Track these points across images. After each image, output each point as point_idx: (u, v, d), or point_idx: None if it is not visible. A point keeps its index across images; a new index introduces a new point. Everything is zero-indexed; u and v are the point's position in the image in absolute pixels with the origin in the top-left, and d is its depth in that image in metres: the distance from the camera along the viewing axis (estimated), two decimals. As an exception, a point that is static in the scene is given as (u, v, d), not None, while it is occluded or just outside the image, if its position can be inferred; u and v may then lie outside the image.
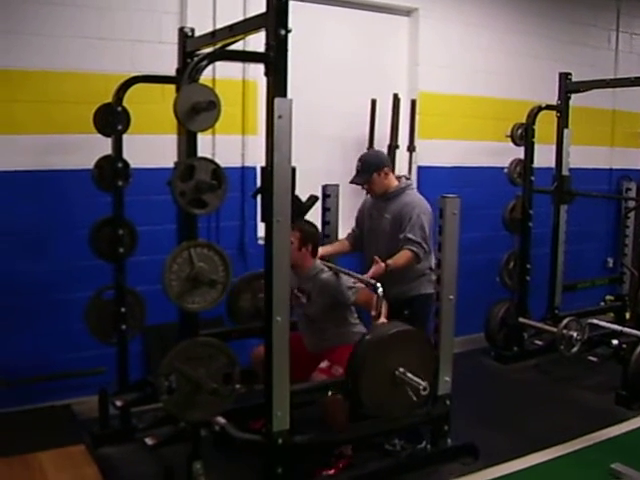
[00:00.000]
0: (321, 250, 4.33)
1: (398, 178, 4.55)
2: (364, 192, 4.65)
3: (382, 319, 3.81)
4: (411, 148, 5.87)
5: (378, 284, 3.80)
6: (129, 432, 4.28)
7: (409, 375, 3.51)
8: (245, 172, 5.14)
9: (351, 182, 4.52)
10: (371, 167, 4.42)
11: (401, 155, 5.82)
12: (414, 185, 4.50)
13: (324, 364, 4.03)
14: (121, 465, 4.03)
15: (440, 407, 3.96)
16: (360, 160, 4.51)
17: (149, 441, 4.11)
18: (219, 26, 3.61)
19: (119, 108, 4.16)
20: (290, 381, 3.34)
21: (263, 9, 3.10)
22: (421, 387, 3.46)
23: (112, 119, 4.16)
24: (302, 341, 4.21)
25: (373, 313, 3.81)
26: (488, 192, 6.22)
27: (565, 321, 5.11)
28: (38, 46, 4.43)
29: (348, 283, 4.07)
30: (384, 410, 3.69)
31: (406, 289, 4.39)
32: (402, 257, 4.23)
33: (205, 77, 3.27)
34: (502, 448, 4.33)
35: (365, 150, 5.55)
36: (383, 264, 4.09)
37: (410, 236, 4.25)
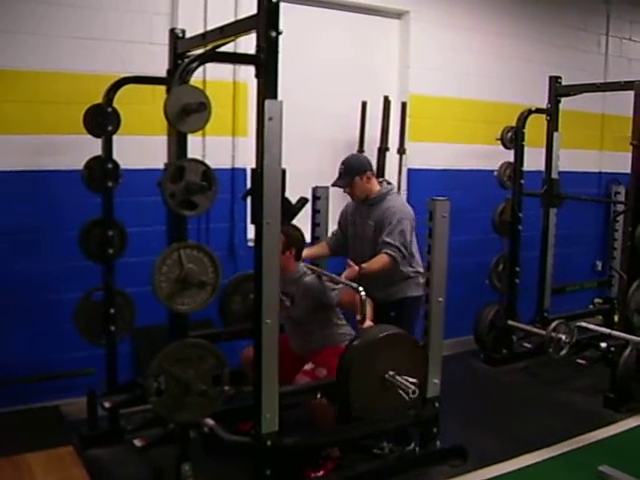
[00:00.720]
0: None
1: (380, 183, 4.56)
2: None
3: (368, 322, 3.80)
4: (401, 151, 5.88)
5: (360, 287, 3.78)
6: (118, 434, 4.27)
7: (398, 378, 3.52)
8: (235, 174, 5.14)
9: (333, 185, 4.53)
10: (353, 170, 4.42)
11: (391, 158, 5.83)
12: (396, 190, 4.50)
13: (308, 366, 4.04)
14: (110, 467, 4.02)
15: (429, 409, 3.97)
16: (343, 163, 4.51)
17: (138, 443, 4.11)
18: (210, 27, 3.61)
19: (109, 109, 4.14)
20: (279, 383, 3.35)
21: (254, 11, 3.10)
22: (410, 390, 3.46)
23: (102, 120, 4.15)
24: (288, 343, 4.21)
25: (358, 317, 3.81)
26: (478, 195, 6.25)
27: (554, 324, 5.12)
28: (32, 46, 4.42)
29: (332, 285, 4.09)
30: (374, 413, 3.70)
31: (392, 292, 4.40)
32: (377, 261, 4.23)
33: (196, 78, 3.27)
34: (491, 450, 4.34)
35: (356, 152, 5.57)
36: (357, 267, 4.11)
37: (388, 240, 4.25)
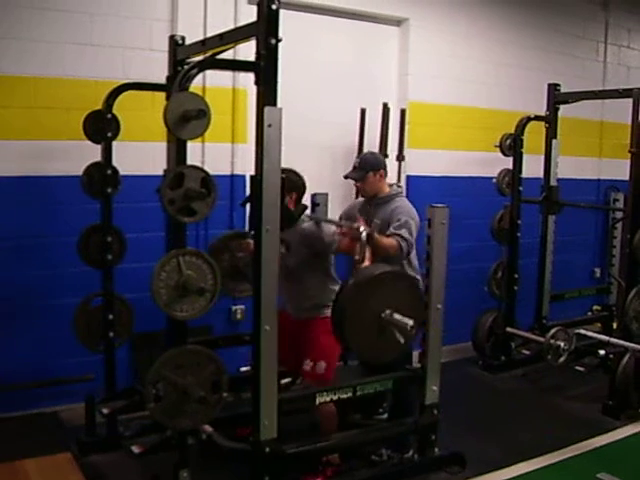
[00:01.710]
0: None
1: (390, 185, 4.57)
2: (353, 199, 4.65)
3: (367, 263, 3.76)
4: (400, 157, 5.88)
5: (362, 228, 3.77)
6: (116, 440, 4.25)
7: (396, 316, 3.49)
8: (234, 180, 5.14)
9: (345, 176, 4.53)
10: (367, 165, 4.44)
11: (390, 164, 5.79)
12: (404, 194, 4.51)
13: (307, 365, 4.02)
14: (107, 473, 4.01)
15: (427, 416, 3.96)
16: (359, 157, 4.59)
17: (136, 449, 4.08)
18: (210, 34, 3.62)
19: (109, 115, 4.15)
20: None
21: (254, 18, 3.11)
22: (408, 326, 3.44)
23: (102, 126, 4.16)
24: (283, 315, 4.05)
25: (357, 257, 3.76)
26: (476, 202, 6.25)
27: (552, 331, 5.12)
28: (32, 52, 4.43)
29: (330, 231, 4.04)
30: (372, 355, 3.68)
31: None
32: (387, 240, 4.17)
33: (195, 85, 3.28)
34: (489, 457, 4.34)
35: (355, 160, 5.57)
36: (368, 229, 3.97)
37: (397, 232, 4.20)
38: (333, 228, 4.05)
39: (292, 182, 3.97)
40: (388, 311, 3.51)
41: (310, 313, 4.12)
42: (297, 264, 4.08)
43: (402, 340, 3.52)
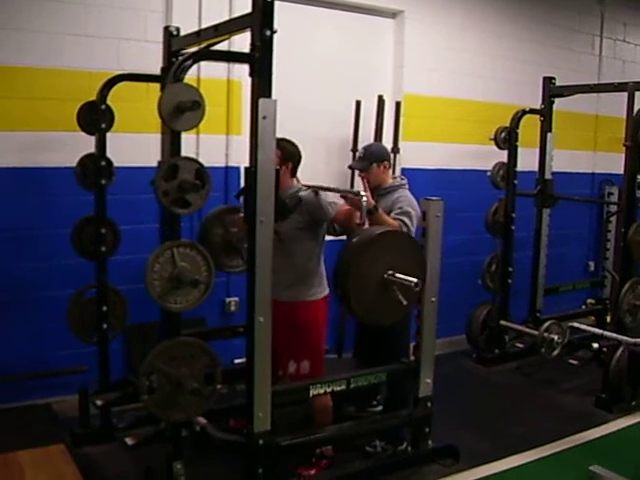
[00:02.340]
0: None
1: (393, 177, 4.58)
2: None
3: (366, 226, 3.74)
4: (395, 150, 5.88)
5: (363, 193, 3.75)
6: (109, 432, 4.26)
7: (398, 275, 3.48)
8: (229, 172, 5.14)
9: (349, 167, 4.54)
10: (372, 156, 4.44)
11: (385, 157, 5.82)
12: (407, 186, 4.51)
13: (292, 367, 3.99)
14: (101, 465, 4.02)
15: (421, 409, 3.97)
16: (364, 148, 4.58)
17: (129, 441, 4.09)
18: (204, 26, 3.60)
19: (103, 106, 4.13)
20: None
21: (249, 9, 3.10)
22: (412, 284, 3.43)
23: (96, 117, 4.14)
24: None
25: (357, 221, 3.74)
26: (471, 195, 6.26)
27: (546, 324, 5.12)
28: (28, 43, 4.42)
29: (328, 199, 4.00)
30: (376, 316, 3.66)
31: None
32: (390, 219, 4.14)
33: (190, 76, 3.26)
34: (482, 450, 4.35)
35: (349, 152, 5.59)
36: (373, 202, 3.98)
37: (399, 217, 4.20)
38: (331, 195, 4.02)
39: (288, 151, 3.97)
40: (391, 271, 3.50)
41: (292, 292, 4.02)
42: (289, 231, 3.97)
43: (405, 302, 3.51)
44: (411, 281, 3.44)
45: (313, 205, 3.99)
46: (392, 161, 5.66)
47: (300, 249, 4.05)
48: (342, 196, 3.99)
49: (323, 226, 4.12)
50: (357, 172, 4.66)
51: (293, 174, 4.10)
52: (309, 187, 4.10)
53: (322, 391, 3.68)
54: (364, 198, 3.71)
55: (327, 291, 4.12)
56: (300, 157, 4.12)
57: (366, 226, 3.74)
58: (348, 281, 3.45)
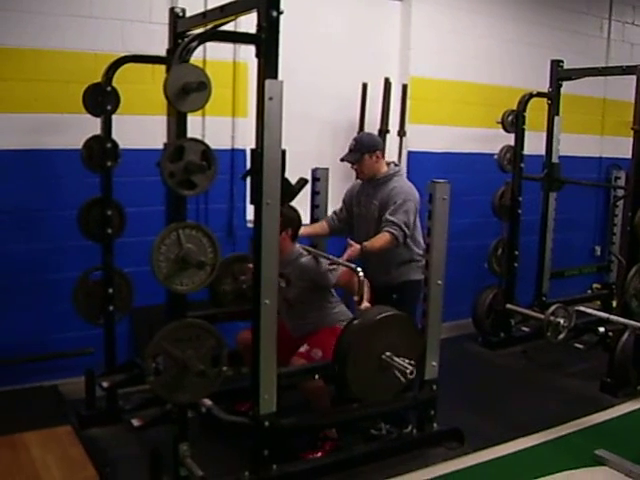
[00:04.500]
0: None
1: (387, 164, 4.54)
2: (354, 176, 4.63)
3: (365, 304, 3.79)
4: (401, 133, 5.86)
5: (359, 268, 3.78)
6: (116, 413, 4.28)
7: (396, 359, 3.52)
8: (235, 154, 5.12)
9: (342, 159, 4.50)
10: (363, 147, 4.41)
11: (391, 140, 5.81)
12: (403, 171, 4.49)
13: (303, 348, 4.02)
14: (107, 446, 4.02)
15: (427, 392, 3.98)
16: (355, 139, 4.52)
17: (135, 422, 4.12)
18: (210, 7, 3.58)
19: (108, 88, 4.12)
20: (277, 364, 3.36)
21: (255, -10, 3.08)
22: (408, 370, 3.47)
23: (101, 99, 4.13)
24: (284, 325, 4.21)
25: (356, 298, 3.80)
26: (478, 178, 6.23)
27: (552, 308, 5.11)
28: (33, 24, 4.40)
29: (328, 266, 4.07)
30: (371, 395, 3.71)
31: (396, 275, 4.39)
32: (379, 239, 4.21)
33: (195, 58, 3.23)
34: (488, 433, 4.35)
35: (355, 134, 5.55)
36: (358, 246, 4.10)
37: (392, 218, 4.23)
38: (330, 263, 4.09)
39: (288, 218, 3.99)
40: (388, 353, 3.56)
41: (312, 328, 4.16)
42: (297, 297, 4.13)
43: (402, 379, 3.56)
44: (406, 367, 3.49)
45: (315, 272, 4.09)
46: (400, 143, 5.69)
47: (311, 309, 4.17)
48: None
49: (328, 287, 4.19)
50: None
51: (293, 239, 4.15)
52: (309, 252, 4.19)
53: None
54: (361, 274, 3.75)
55: (347, 312, 4.20)
56: (300, 222, 4.21)
57: (365, 303, 3.79)
58: (347, 366, 3.53)
